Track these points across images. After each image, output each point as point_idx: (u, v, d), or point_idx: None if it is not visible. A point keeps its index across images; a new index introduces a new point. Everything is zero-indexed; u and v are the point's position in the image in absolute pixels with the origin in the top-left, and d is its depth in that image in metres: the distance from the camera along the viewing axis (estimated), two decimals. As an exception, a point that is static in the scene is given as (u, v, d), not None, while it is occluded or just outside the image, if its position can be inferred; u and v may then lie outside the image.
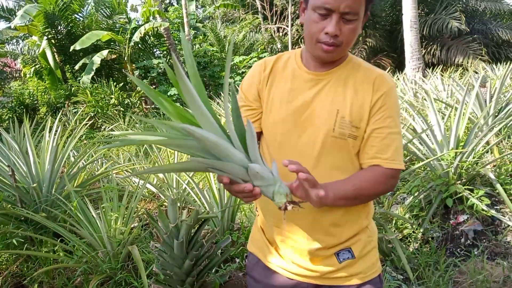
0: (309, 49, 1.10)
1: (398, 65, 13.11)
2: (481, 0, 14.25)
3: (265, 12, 16.74)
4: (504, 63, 10.45)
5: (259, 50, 15.32)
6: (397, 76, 9.45)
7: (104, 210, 2.55)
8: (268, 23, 16.58)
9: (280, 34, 16.72)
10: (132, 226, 2.82)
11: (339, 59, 1.14)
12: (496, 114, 4.05)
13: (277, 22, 16.55)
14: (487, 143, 3.57)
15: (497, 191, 2.87)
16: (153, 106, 11.67)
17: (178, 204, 3.51)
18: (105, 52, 11.36)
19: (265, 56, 14.69)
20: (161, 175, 4.02)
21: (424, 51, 13.24)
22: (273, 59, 1.22)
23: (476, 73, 9.32)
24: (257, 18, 17.14)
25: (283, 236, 1.21)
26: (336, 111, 1.08)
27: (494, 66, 9.89)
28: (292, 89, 1.14)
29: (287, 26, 14.51)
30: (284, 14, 15.97)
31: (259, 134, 1.24)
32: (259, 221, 1.34)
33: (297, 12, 16.48)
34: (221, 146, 0.69)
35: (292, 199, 0.78)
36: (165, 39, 12.35)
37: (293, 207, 0.77)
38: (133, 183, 4.09)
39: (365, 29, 14.26)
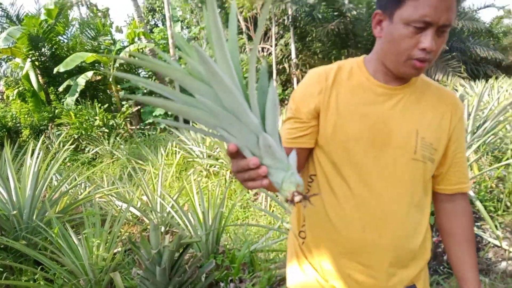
0: (394, 66, 0.97)
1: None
2: (459, 19, 14.72)
3: (249, 33, 16.97)
4: (483, 80, 10.75)
5: (244, 69, 15.47)
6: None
7: (85, 236, 2.51)
8: (252, 43, 16.81)
9: (265, 54, 16.94)
10: (115, 251, 2.78)
11: None
12: (475, 131, 4.15)
13: (261, 42, 16.77)
14: (467, 160, 3.64)
15: (477, 208, 2.92)
16: (138, 127, 11.62)
17: (162, 228, 3.48)
18: (89, 74, 11.34)
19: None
20: (145, 198, 3.99)
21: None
22: (333, 68, 1.07)
23: (456, 90, 9.56)
24: (242, 38, 17.36)
25: (353, 273, 1.05)
26: (416, 131, 1.00)
27: (472, 83, 10.16)
28: (362, 102, 1.02)
29: (271, 46, 14.74)
30: (268, 35, 16.21)
31: (307, 152, 1.09)
32: (308, 253, 1.13)
33: (281, 32, 16.78)
34: (234, 96, 0.57)
35: (303, 192, 0.65)
36: (150, 60, 12.38)
37: (302, 201, 0.64)
38: (117, 207, 4.04)
39: (347, 48, 14.56)
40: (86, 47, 12.45)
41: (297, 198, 0.63)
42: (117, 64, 11.69)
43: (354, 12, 14.25)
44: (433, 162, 1.03)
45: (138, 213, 3.81)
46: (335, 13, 14.28)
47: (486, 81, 10.32)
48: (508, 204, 3.25)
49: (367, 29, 14.49)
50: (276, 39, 15.66)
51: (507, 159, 3.83)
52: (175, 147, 6.79)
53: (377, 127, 1.00)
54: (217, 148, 5.95)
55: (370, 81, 1.03)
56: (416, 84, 1.05)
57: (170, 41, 11.80)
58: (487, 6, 16.63)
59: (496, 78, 11.16)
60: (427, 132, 1.01)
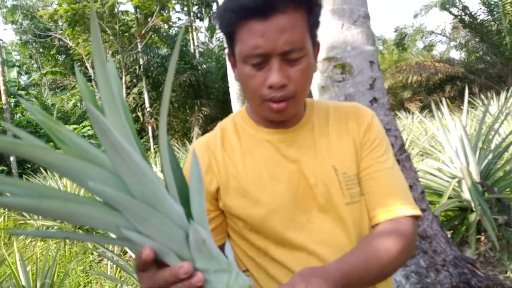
0: (256, 110, 0.82)
1: (232, 132, 14.09)
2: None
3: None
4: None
5: (93, 119, 14.64)
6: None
7: None
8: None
9: (116, 102, 16.40)
10: None
11: (298, 109, 0.85)
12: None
13: (112, 90, 16.24)
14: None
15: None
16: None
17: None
18: None
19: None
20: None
21: (253, 119, 14.62)
22: (217, 133, 0.89)
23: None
24: (91, 85, 16.53)
25: None
26: (333, 169, 0.81)
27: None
28: (264, 160, 0.82)
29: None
30: (119, 83, 15.81)
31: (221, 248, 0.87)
32: None
33: (134, 81, 16.56)
34: (147, 176, 0.40)
35: None
36: (-24, 108, 10.79)
37: None
38: None
39: (199, 99, 15.09)
40: None
41: None
42: None
43: (204, 66, 15.02)
44: (363, 194, 0.83)
45: None
46: (187, 66, 14.79)
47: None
48: None
49: (217, 82, 15.34)
50: (129, 88, 15.34)
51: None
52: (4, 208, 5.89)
53: (293, 184, 0.80)
54: (55, 206, 5.36)
55: (260, 131, 0.86)
56: (313, 116, 0.88)
57: (2, 88, 10.51)
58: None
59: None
60: (345, 164, 0.82)
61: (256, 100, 0.77)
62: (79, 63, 16.46)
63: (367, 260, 0.68)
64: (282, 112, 0.76)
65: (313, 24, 0.76)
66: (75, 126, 13.24)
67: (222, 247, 0.84)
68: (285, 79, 0.72)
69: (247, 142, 0.86)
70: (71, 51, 15.71)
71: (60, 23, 14.99)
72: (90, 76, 16.62)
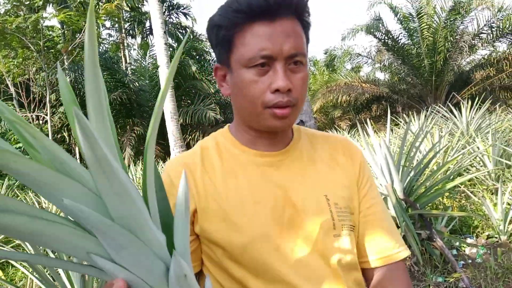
0: (253, 122, 0.77)
1: (167, 152, 13.73)
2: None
3: (20, 99, 15.16)
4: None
5: (12, 140, 13.50)
6: (162, 165, 9.81)
7: None
8: (25, 111, 15.00)
9: (40, 122, 15.32)
10: None
11: (288, 131, 0.84)
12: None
13: (36, 109, 15.18)
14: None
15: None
16: None
17: None
18: None
19: (18, 147, 13.02)
20: None
21: (189, 138, 14.39)
22: (196, 152, 0.83)
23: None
24: (12, 105, 15.33)
25: None
26: (325, 198, 0.77)
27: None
28: (248, 184, 0.77)
29: (46, 115, 13.45)
30: (43, 101, 14.82)
31: (197, 275, 0.82)
32: None
33: (60, 99, 15.59)
34: (132, 199, 0.35)
35: None
36: None
37: None
38: None
39: (132, 118, 14.57)
40: None
41: None
42: None
43: (137, 84, 14.57)
44: (354, 230, 0.81)
45: None
46: (118, 83, 14.26)
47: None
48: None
49: (151, 100, 14.95)
50: (54, 107, 14.42)
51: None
52: None
53: (278, 210, 0.76)
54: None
55: (246, 152, 0.81)
56: (301, 141, 0.86)
57: None
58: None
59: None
60: (336, 195, 0.80)
61: (257, 107, 0.73)
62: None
63: None
64: (285, 119, 0.74)
65: (307, 39, 0.77)
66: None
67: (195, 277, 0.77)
68: (290, 84, 0.71)
69: (231, 163, 0.81)
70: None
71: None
72: (11, 94, 15.43)
